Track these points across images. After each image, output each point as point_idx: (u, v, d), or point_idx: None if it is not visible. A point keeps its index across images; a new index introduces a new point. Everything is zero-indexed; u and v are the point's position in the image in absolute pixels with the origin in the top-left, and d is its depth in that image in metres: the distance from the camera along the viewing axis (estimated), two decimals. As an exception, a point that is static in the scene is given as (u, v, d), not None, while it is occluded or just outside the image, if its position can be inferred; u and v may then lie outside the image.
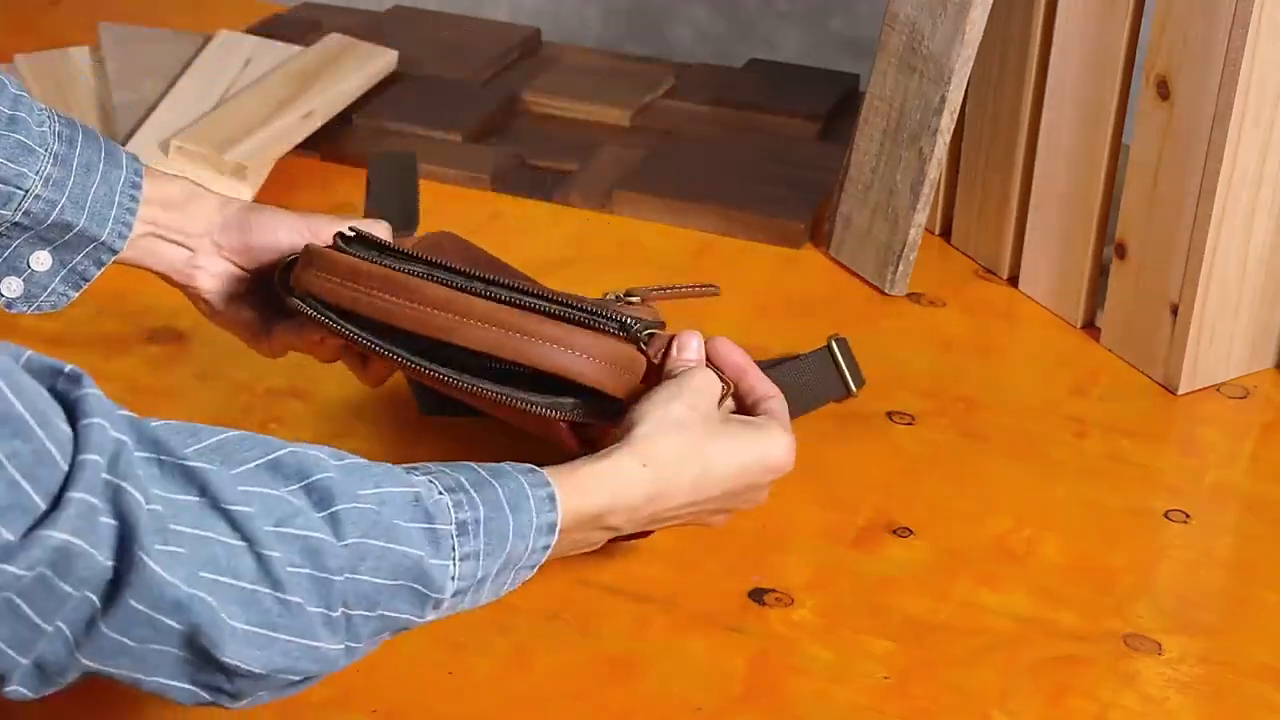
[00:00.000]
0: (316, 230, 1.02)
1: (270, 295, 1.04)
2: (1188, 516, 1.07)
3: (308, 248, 0.99)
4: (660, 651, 0.95)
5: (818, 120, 1.52)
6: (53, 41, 1.59)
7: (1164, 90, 1.14)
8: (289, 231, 1.03)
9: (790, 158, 1.46)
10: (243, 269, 1.04)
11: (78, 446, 0.66)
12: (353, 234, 0.99)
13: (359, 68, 1.52)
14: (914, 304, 1.29)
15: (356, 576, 0.74)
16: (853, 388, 1.16)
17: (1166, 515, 1.07)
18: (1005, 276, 1.32)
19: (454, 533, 0.78)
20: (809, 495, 1.07)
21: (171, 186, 1.03)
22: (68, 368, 0.69)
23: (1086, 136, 1.21)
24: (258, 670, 0.72)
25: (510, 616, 0.96)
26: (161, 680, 0.72)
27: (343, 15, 1.71)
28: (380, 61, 1.54)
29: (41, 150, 0.97)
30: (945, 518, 1.06)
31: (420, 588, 0.77)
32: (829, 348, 1.15)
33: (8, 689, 0.69)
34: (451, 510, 0.78)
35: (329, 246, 1.00)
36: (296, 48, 1.55)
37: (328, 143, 1.46)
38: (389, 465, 0.79)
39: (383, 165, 1.40)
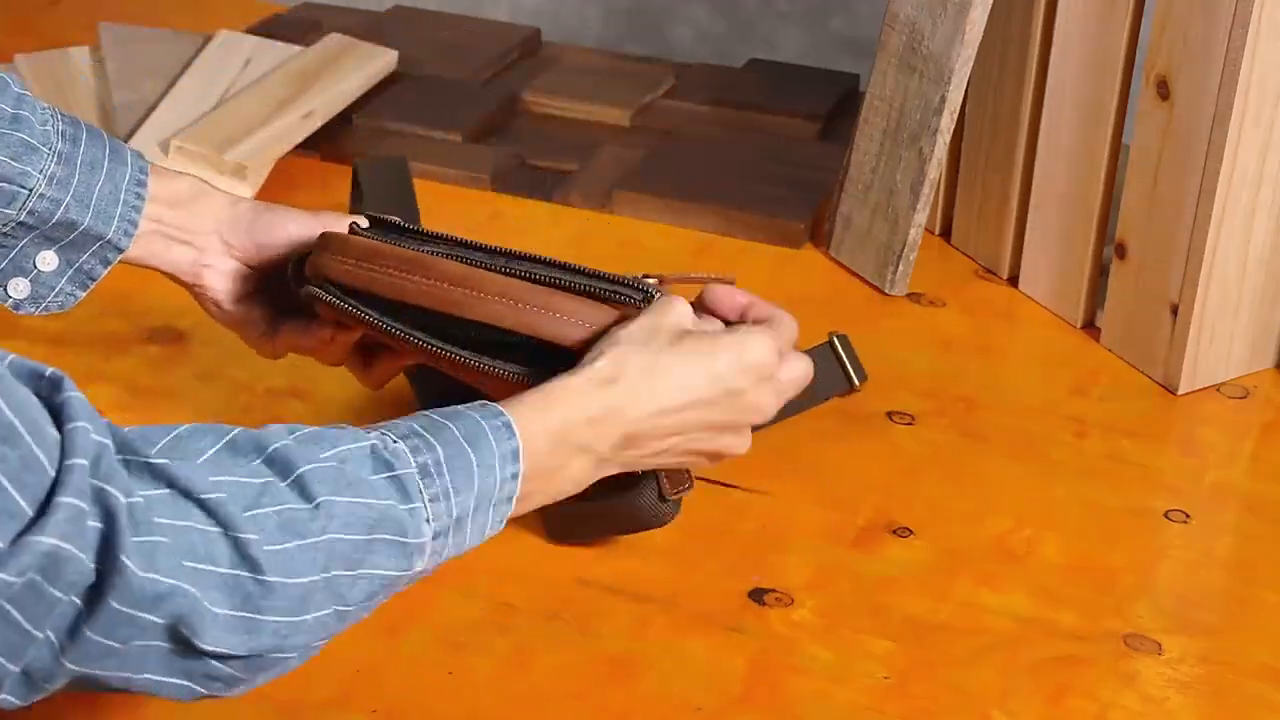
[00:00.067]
0: (328, 227, 1.02)
1: (277, 294, 1.04)
2: (1188, 516, 1.07)
3: (324, 234, 0.99)
4: (660, 651, 0.95)
5: (818, 120, 1.52)
6: (53, 41, 1.59)
7: (1164, 90, 1.14)
8: (300, 228, 1.03)
9: (790, 158, 1.46)
10: (251, 267, 1.04)
11: (64, 451, 0.66)
12: (369, 222, 1.00)
13: (359, 68, 1.52)
14: (914, 304, 1.29)
15: (332, 536, 0.74)
16: (855, 382, 1.16)
17: (1166, 515, 1.07)
18: (1005, 276, 1.32)
19: (417, 475, 0.77)
20: (809, 495, 1.07)
21: (178, 184, 1.03)
22: (48, 371, 0.69)
23: (1086, 136, 1.21)
24: (243, 653, 0.72)
25: (510, 616, 0.96)
26: (151, 677, 0.72)
27: (343, 15, 1.71)
28: (380, 61, 1.54)
29: (45, 149, 0.97)
30: (945, 518, 1.06)
31: (396, 537, 0.76)
32: (830, 343, 1.15)
33: None
34: (410, 455, 0.78)
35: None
36: (296, 48, 1.55)
37: (328, 143, 1.46)
38: (340, 426, 0.78)
39: (374, 170, 1.39)
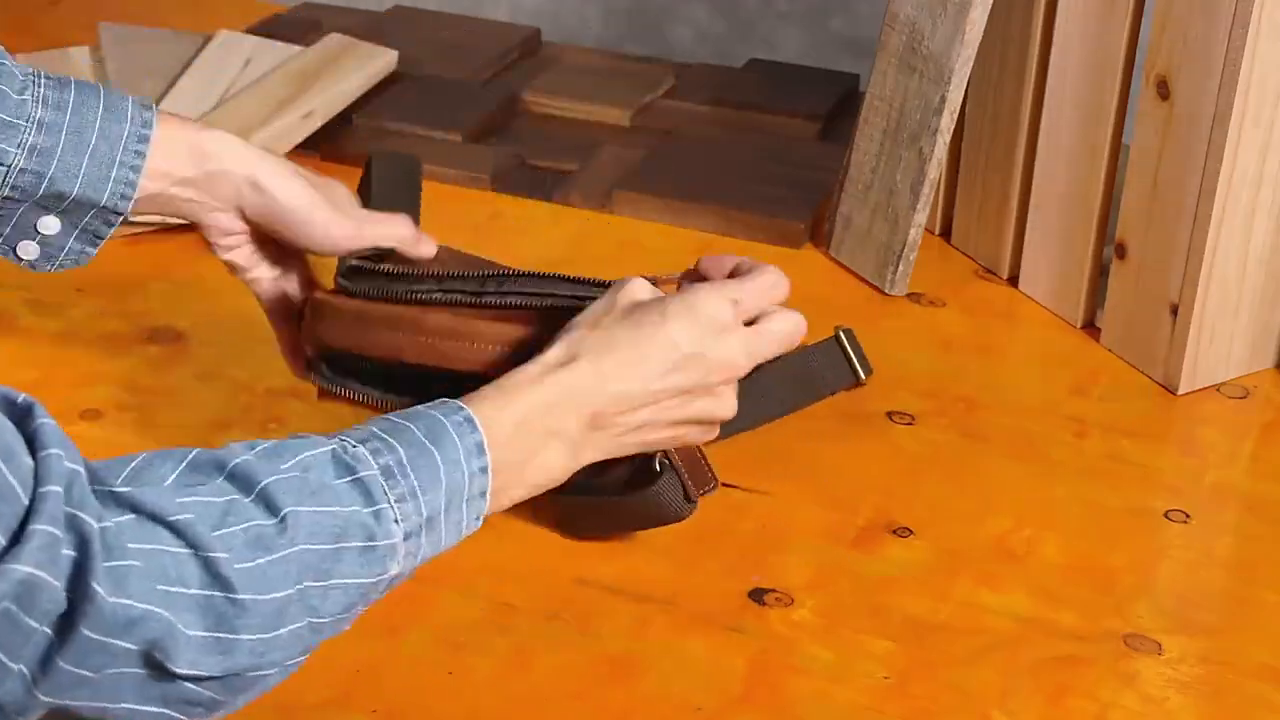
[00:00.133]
0: (337, 244, 1.01)
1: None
2: (1188, 516, 1.07)
3: (314, 301, 0.99)
4: (660, 651, 0.95)
5: (818, 120, 1.52)
6: (53, 41, 1.59)
7: (1164, 90, 1.14)
8: (319, 240, 1.01)
9: (790, 158, 1.46)
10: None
11: (38, 478, 0.65)
12: (358, 262, 0.99)
13: (359, 68, 1.52)
14: (914, 304, 1.29)
15: (301, 547, 0.73)
16: (862, 375, 1.16)
17: (1166, 515, 1.07)
18: (1005, 276, 1.32)
19: (380, 477, 0.76)
20: (809, 495, 1.07)
21: (188, 145, 0.97)
22: (20, 397, 0.68)
23: (1086, 136, 1.21)
24: (219, 674, 0.71)
25: (510, 616, 0.96)
26: (127, 706, 0.70)
27: (343, 15, 1.71)
28: (380, 61, 1.54)
29: (22, 122, 0.93)
30: (945, 518, 1.06)
31: (364, 542, 0.75)
32: (836, 337, 1.15)
33: None
34: (371, 458, 0.77)
35: (333, 289, 1.00)
36: (296, 48, 1.55)
37: (328, 143, 1.46)
38: (299, 436, 0.77)
39: (387, 165, 1.39)
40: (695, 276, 0.98)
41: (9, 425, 0.66)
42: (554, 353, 0.88)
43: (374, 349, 0.96)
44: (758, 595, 0.99)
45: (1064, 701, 0.92)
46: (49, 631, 0.66)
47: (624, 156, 1.46)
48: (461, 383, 0.91)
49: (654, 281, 0.95)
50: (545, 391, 0.86)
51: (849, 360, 1.16)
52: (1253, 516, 1.09)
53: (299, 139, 1.42)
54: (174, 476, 0.72)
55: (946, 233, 1.37)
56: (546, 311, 0.94)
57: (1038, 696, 0.92)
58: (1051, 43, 1.22)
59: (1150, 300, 1.19)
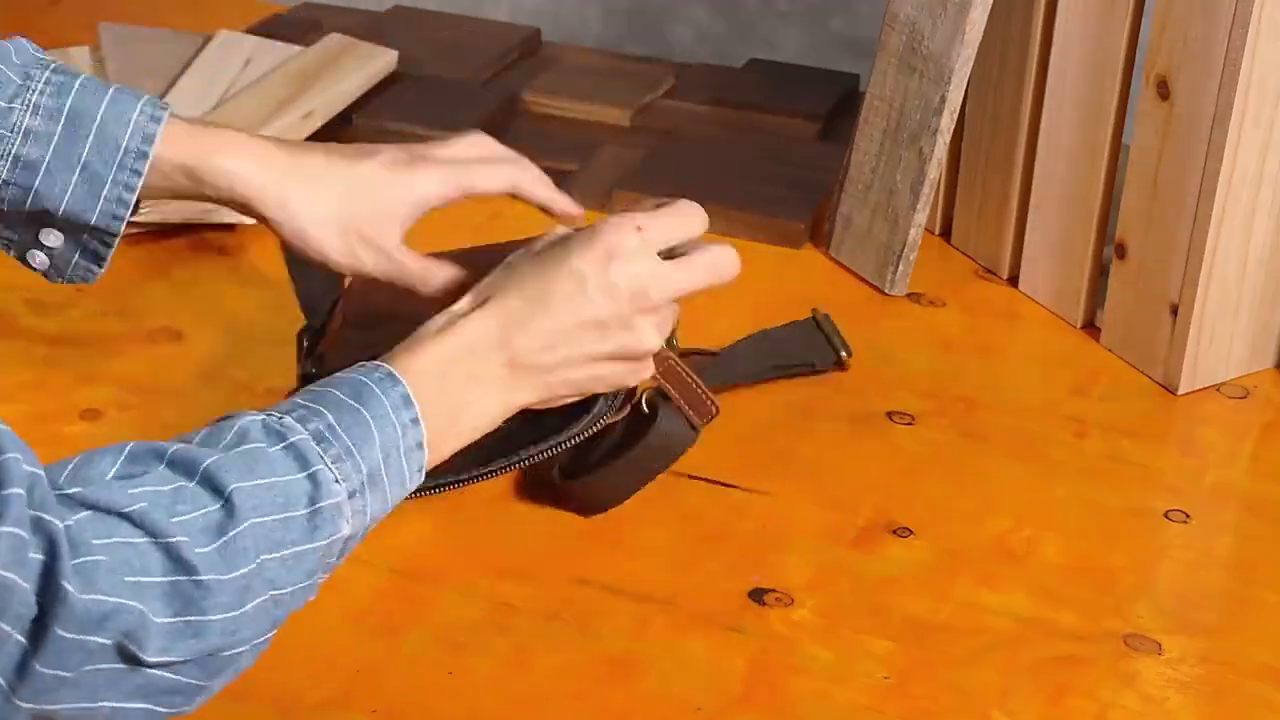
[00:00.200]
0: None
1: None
2: (1188, 516, 1.07)
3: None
4: (660, 651, 0.95)
5: (818, 120, 1.52)
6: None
7: (1164, 90, 1.14)
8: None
9: (790, 158, 1.46)
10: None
11: (0, 482, 0.65)
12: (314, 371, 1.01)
13: (359, 68, 1.52)
14: (914, 304, 1.29)
15: (252, 521, 0.73)
16: (843, 355, 1.17)
17: (1166, 515, 1.07)
18: (1005, 276, 1.32)
19: (311, 440, 0.76)
20: (809, 495, 1.07)
21: (195, 143, 0.95)
22: None
23: (1086, 136, 1.21)
24: (192, 657, 0.71)
25: (510, 616, 0.96)
26: (109, 705, 0.70)
27: (343, 15, 1.71)
28: (380, 61, 1.54)
29: (6, 132, 0.90)
30: (945, 518, 1.06)
31: (308, 508, 0.75)
32: (813, 317, 1.18)
33: None
34: (299, 424, 0.77)
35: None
36: (296, 48, 1.55)
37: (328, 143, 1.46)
38: (227, 416, 0.77)
39: None
40: None
41: None
42: (465, 300, 0.89)
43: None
44: (758, 595, 0.99)
45: (1064, 701, 0.92)
46: (21, 638, 0.66)
47: (624, 156, 1.46)
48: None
49: None
50: (458, 338, 0.86)
51: (828, 340, 1.17)
52: (1253, 516, 1.08)
53: (299, 139, 1.42)
54: (114, 470, 0.73)
55: (946, 233, 1.37)
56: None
57: (1038, 696, 0.92)
58: (1051, 43, 1.22)
59: (1150, 300, 1.19)
